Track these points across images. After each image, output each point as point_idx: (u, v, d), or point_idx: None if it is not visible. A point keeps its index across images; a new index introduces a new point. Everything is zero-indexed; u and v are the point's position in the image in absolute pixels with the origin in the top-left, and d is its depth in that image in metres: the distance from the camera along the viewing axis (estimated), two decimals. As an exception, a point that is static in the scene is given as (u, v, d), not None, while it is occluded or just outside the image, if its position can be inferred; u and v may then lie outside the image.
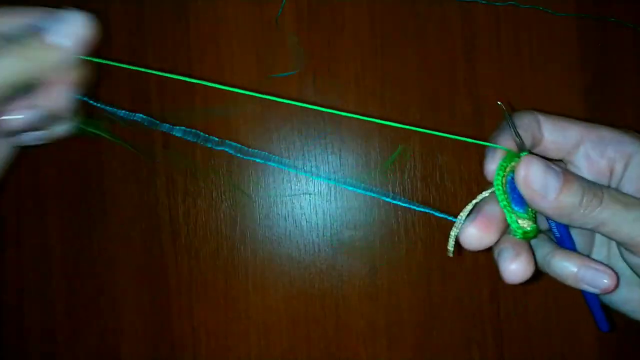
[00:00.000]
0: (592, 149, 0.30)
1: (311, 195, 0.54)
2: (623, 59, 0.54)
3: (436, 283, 0.54)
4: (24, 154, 0.60)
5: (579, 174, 0.30)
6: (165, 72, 0.61)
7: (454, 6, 0.55)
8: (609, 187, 0.28)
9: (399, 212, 0.54)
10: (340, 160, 0.54)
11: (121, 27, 0.55)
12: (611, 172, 0.30)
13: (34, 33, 0.28)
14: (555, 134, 0.30)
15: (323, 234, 0.54)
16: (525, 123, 0.30)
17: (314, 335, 0.54)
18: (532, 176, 0.27)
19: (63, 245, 0.55)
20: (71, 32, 0.28)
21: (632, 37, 0.54)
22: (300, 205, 0.54)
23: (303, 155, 0.54)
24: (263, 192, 0.54)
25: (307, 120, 0.54)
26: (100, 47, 0.60)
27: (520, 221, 0.30)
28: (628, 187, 0.29)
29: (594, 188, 0.27)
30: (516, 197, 0.30)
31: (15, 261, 0.56)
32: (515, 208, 0.30)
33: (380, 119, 0.58)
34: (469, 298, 0.53)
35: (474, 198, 0.58)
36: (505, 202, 0.29)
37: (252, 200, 0.54)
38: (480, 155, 0.60)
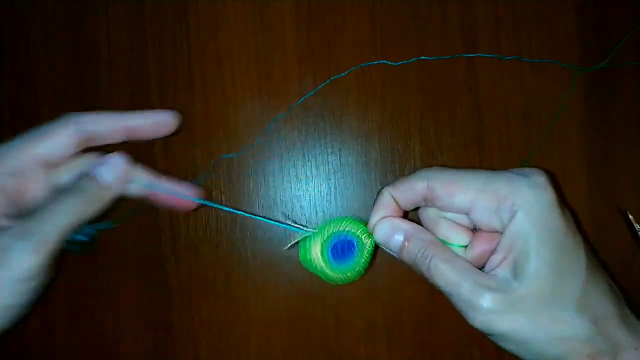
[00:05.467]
0: (484, 212, 0.34)
1: (311, 195, 0.54)
2: (623, 59, 0.55)
3: (436, 283, 0.54)
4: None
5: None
6: (165, 71, 0.61)
7: (454, 6, 0.55)
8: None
9: (399, 212, 0.54)
10: (340, 160, 0.54)
11: (121, 27, 0.55)
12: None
13: (89, 178, 0.36)
14: (446, 199, 0.34)
15: (323, 234, 0.54)
16: (416, 187, 0.35)
17: (314, 335, 0.54)
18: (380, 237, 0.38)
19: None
20: (116, 172, 0.37)
21: (633, 36, 0.54)
22: (301, 205, 0.54)
23: (303, 155, 0.54)
24: (263, 192, 0.54)
25: (307, 120, 0.54)
26: (99, 46, 0.60)
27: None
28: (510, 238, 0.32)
29: (423, 255, 0.34)
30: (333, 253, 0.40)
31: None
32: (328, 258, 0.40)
33: (380, 119, 0.58)
34: (469, 298, 0.53)
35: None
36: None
37: (253, 200, 0.54)
38: (480, 155, 0.60)
